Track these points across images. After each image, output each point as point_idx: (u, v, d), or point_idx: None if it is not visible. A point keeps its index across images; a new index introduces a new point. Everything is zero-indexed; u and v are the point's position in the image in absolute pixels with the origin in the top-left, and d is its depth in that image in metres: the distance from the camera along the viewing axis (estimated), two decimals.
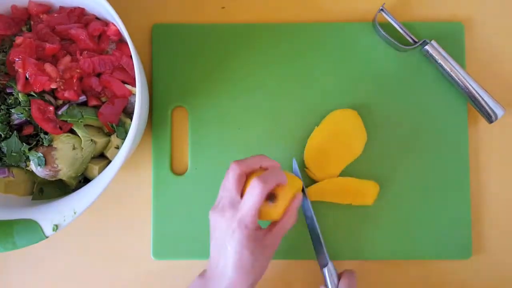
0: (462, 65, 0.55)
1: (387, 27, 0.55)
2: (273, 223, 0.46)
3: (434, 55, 0.54)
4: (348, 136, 0.54)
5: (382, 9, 0.54)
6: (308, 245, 0.53)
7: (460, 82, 0.53)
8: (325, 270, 0.50)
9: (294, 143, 0.55)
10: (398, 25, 0.55)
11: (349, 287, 0.48)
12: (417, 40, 0.55)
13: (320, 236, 0.51)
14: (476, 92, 0.53)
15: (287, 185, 0.45)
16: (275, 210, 0.45)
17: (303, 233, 0.53)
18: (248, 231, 0.42)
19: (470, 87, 0.53)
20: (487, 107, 0.53)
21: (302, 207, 0.52)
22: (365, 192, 0.54)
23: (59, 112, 0.48)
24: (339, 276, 0.50)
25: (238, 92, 0.56)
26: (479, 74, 0.56)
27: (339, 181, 0.54)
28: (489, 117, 0.53)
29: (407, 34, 0.55)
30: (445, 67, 0.54)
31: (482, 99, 0.53)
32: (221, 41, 0.56)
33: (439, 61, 0.54)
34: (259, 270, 0.44)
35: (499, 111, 0.53)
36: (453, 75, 0.53)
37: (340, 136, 0.54)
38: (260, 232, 0.44)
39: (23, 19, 0.51)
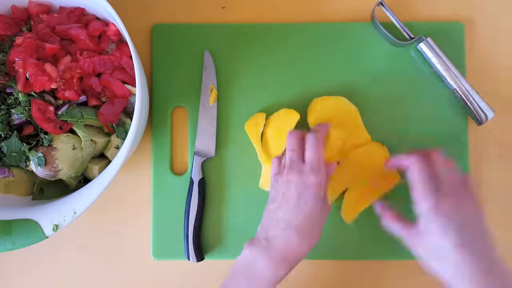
0: (462, 64, 0.55)
1: (385, 24, 0.55)
2: None
3: (426, 53, 0.54)
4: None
5: (381, 2, 0.54)
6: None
7: (453, 82, 0.53)
8: None
9: None
10: (396, 20, 0.54)
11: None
12: (413, 36, 0.55)
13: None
14: (468, 92, 0.53)
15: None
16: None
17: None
18: (320, 182, 0.45)
19: (462, 87, 0.53)
20: (478, 109, 0.53)
21: None
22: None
23: (59, 112, 0.48)
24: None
25: (238, 92, 0.56)
26: (479, 74, 0.56)
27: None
28: (479, 119, 0.53)
29: (403, 29, 0.55)
30: (436, 65, 0.53)
31: (474, 100, 0.53)
32: (221, 41, 0.56)
33: (431, 59, 0.54)
34: (307, 232, 0.45)
35: (489, 113, 0.53)
36: (444, 74, 0.53)
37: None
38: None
39: (23, 19, 0.51)
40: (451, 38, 0.56)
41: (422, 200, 0.44)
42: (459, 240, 0.41)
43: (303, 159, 0.47)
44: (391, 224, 0.47)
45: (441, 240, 0.42)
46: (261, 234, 0.46)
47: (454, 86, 0.53)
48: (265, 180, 0.54)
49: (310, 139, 0.47)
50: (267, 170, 0.54)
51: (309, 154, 0.47)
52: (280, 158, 0.50)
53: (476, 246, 0.41)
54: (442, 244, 0.42)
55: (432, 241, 0.43)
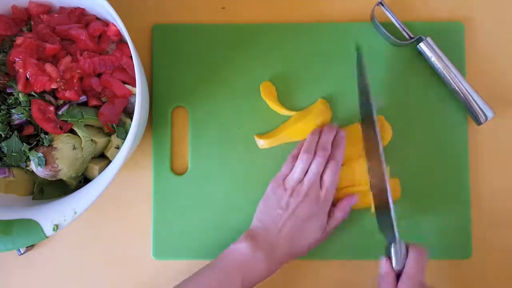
0: (461, 64, 0.55)
1: (385, 24, 0.55)
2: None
3: (426, 52, 0.54)
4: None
5: (381, 2, 0.54)
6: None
7: (452, 82, 0.53)
8: (392, 246, 0.46)
9: (296, 142, 0.55)
10: (395, 20, 0.54)
11: (418, 263, 0.44)
12: (413, 36, 0.55)
13: (392, 208, 0.47)
14: (468, 92, 0.53)
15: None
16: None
17: None
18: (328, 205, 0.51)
19: (462, 87, 0.53)
20: (477, 109, 0.53)
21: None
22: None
23: (60, 112, 0.48)
24: (407, 252, 0.45)
25: (238, 92, 0.56)
26: (479, 74, 0.56)
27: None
28: (479, 119, 0.53)
29: (403, 29, 0.55)
30: (436, 65, 0.53)
31: (474, 100, 0.53)
32: (221, 41, 0.56)
33: (431, 59, 0.54)
34: (301, 250, 0.50)
35: (489, 113, 0.53)
36: (445, 73, 0.53)
37: None
38: None
39: (23, 20, 0.51)
40: (451, 38, 0.56)
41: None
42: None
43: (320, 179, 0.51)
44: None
45: None
46: (261, 230, 0.50)
47: (454, 86, 0.53)
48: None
49: (332, 164, 0.51)
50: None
51: (328, 180, 0.50)
52: (295, 157, 0.52)
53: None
54: None
55: None
